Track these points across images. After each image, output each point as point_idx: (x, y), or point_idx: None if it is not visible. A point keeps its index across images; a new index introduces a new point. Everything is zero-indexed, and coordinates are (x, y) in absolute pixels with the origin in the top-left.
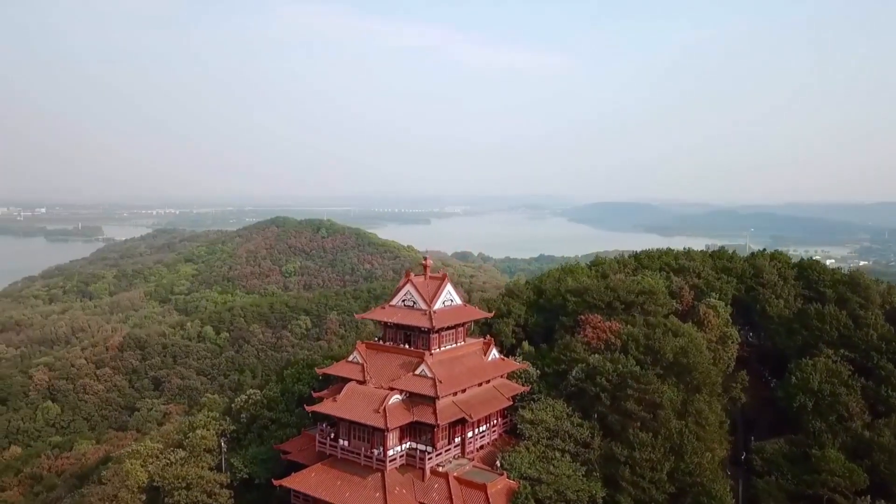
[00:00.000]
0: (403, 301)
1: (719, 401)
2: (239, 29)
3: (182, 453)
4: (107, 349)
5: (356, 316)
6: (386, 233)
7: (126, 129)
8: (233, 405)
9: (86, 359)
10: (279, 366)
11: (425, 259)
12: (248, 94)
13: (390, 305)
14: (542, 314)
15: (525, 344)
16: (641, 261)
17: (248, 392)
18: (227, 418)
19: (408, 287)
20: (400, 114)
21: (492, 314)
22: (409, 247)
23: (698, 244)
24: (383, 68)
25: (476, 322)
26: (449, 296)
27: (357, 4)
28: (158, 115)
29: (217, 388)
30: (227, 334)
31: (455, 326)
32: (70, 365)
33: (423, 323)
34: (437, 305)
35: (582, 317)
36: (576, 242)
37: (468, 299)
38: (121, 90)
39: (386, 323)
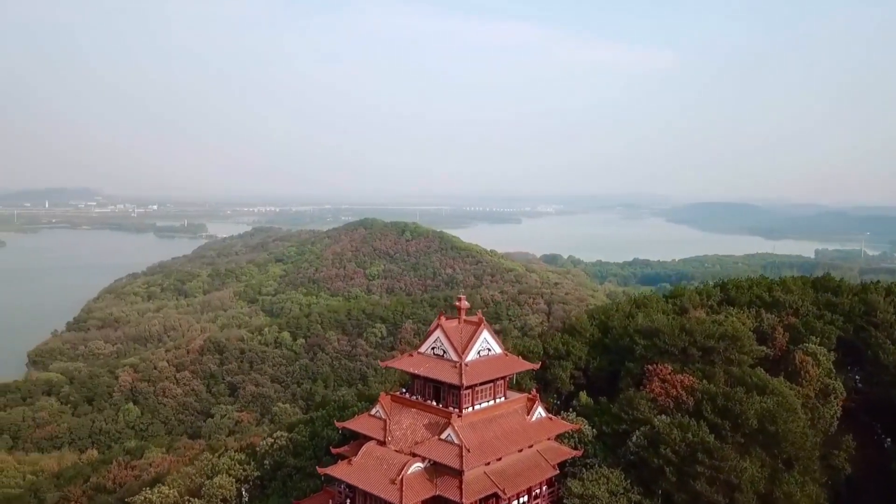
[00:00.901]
0: (433, 349)
1: (816, 478)
2: (325, 30)
3: None
4: (188, 352)
5: (381, 364)
6: (476, 232)
7: (231, 129)
8: (258, 448)
9: (167, 361)
10: (352, 375)
11: (459, 299)
12: (347, 94)
13: (419, 353)
14: (607, 356)
15: (583, 394)
16: (728, 291)
17: (274, 434)
18: (252, 462)
19: (437, 333)
20: (491, 113)
21: (538, 365)
22: (491, 251)
23: (807, 249)
24: (477, 68)
25: (528, 358)
26: (485, 344)
27: (443, 4)
28: (262, 115)
29: (289, 397)
30: (304, 340)
31: (492, 381)
32: (153, 367)
33: (452, 378)
34: (471, 356)
35: (650, 366)
36: (673, 245)
37: (548, 312)
38: (231, 93)
39: (414, 374)
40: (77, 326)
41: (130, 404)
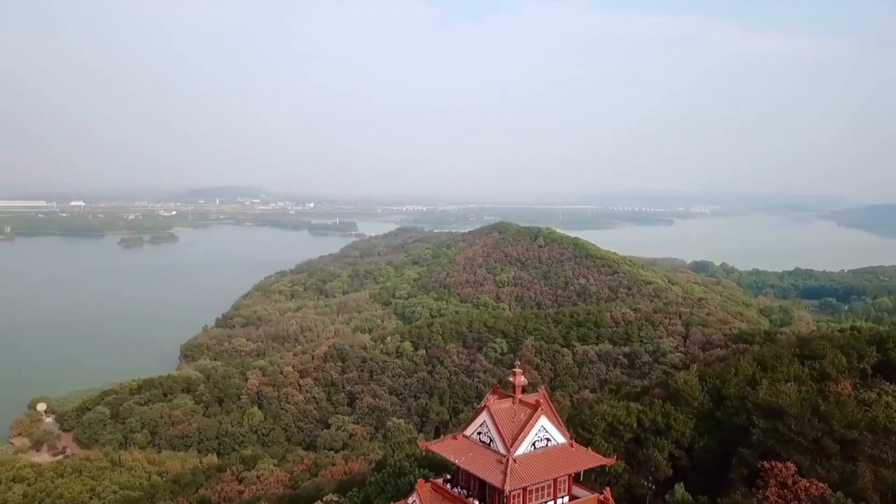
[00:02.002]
0: (479, 433)
1: None
2: (474, 29)
3: None
4: (312, 358)
5: (420, 445)
6: (621, 234)
7: (385, 127)
8: None
9: (293, 366)
10: (469, 392)
11: (514, 372)
12: (498, 93)
13: (464, 435)
14: (718, 434)
15: (680, 487)
16: (888, 346)
17: (324, 498)
18: None
19: (484, 415)
20: (638, 110)
21: (613, 459)
22: (628, 260)
23: None
24: (632, 63)
25: (602, 450)
26: (543, 433)
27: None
28: (413, 115)
29: (405, 411)
30: (424, 352)
31: (548, 482)
32: (279, 371)
33: (494, 477)
34: (522, 448)
35: (768, 462)
36: (844, 253)
37: (685, 335)
38: (383, 94)
39: (454, 463)
40: (224, 322)
41: (255, 408)
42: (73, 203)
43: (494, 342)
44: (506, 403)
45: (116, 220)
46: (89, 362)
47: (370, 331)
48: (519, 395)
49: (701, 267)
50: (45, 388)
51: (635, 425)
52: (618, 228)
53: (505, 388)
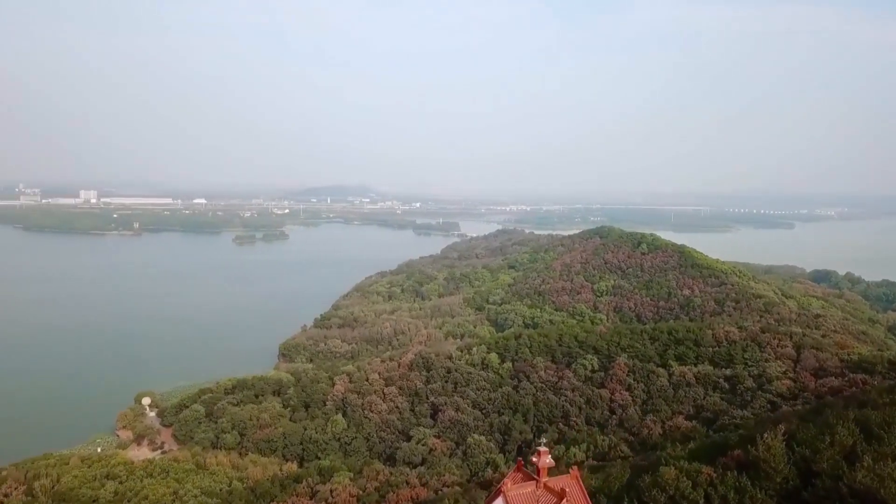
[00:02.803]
0: None
1: None
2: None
3: None
4: (398, 365)
5: None
6: (736, 238)
7: (490, 126)
8: None
9: (379, 373)
10: (554, 412)
11: (538, 453)
12: (610, 94)
13: None
14: None
15: None
16: None
17: None
18: None
19: (499, 502)
20: (768, 104)
21: None
22: (738, 270)
23: None
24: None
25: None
26: None
27: None
28: (523, 114)
29: (487, 427)
30: (510, 365)
31: None
32: (365, 378)
33: None
34: None
35: None
36: None
37: (795, 359)
38: (495, 94)
39: None
40: (322, 323)
41: (339, 416)
42: (196, 201)
43: (585, 358)
44: (527, 488)
45: (233, 218)
46: (196, 357)
47: (462, 336)
48: (544, 479)
49: (823, 276)
50: (152, 382)
51: (701, 502)
52: (732, 232)
53: (531, 468)
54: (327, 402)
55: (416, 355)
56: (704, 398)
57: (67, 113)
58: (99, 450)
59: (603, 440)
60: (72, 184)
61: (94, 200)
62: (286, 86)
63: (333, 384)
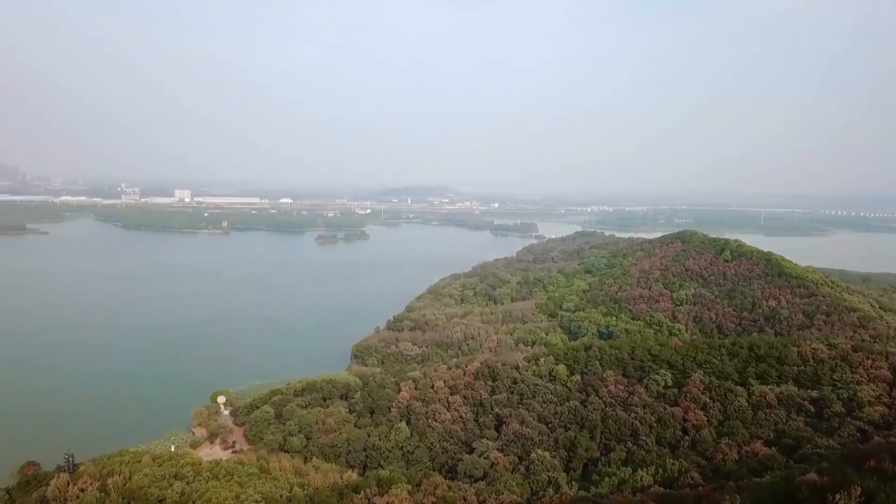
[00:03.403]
0: None
1: None
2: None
3: None
4: (464, 373)
5: None
6: (833, 243)
7: (570, 125)
8: None
9: (444, 381)
10: (623, 430)
11: None
12: (698, 92)
13: None
14: None
15: None
16: None
17: None
18: None
19: None
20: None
21: None
22: (830, 281)
23: None
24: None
25: None
26: None
27: None
28: (603, 112)
29: (552, 442)
30: (579, 378)
31: None
32: (430, 385)
33: None
34: None
35: None
36: None
37: (892, 382)
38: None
39: None
40: (394, 325)
41: (403, 423)
42: (283, 200)
43: (657, 373)
44: None
45: (317, 218)
46: (272, 356)
47: (533, 343)
48: None
49: None
50: (229, 380)
51: None
52: (829, 236)
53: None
54: (392, 409)
55: (481, 364)
56: (787, 422)
57: (170, 114)
58: (173, 448)
59: (673, 464)
60: (168, 183)
61: (187, 200)
62: (377, 86)
63: (399, 390)
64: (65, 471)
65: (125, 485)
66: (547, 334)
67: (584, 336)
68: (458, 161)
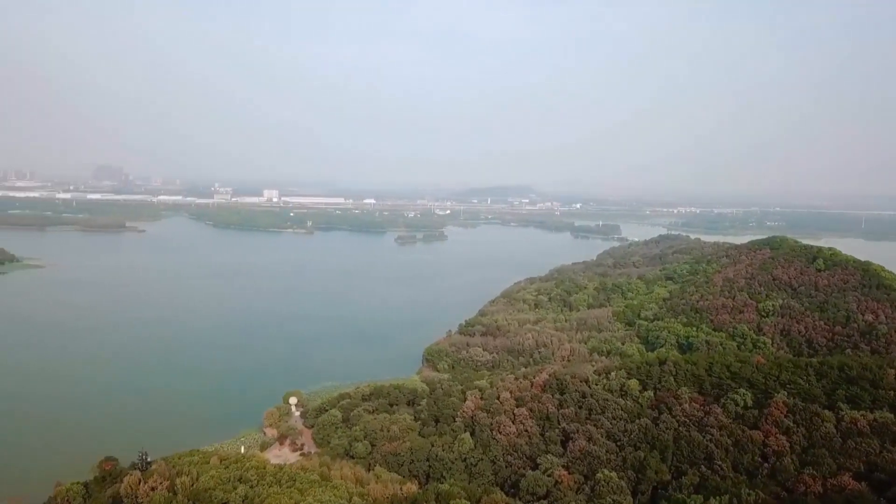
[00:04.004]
0: None
1: None
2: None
3: None
4: (531, 385)
5: None
6: None
7: (655, 122)
8: None
9: (510, 392)
10: (696, 452)
11: None
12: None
13: None
14: None
15: None
16: None
17: None
18: None
19: None
20: None
21: None
22: None
23: None
24: None
25: None
26: None
27: None
28: (694, 109)
29: (619, 462)
30: (652, 394)
31: None
32: (496, 396)
33: None
34: None
35: None
36: None
37: None
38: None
39: None
40: (465, 329)
41: (467, 434)
42: (366, 201)
43: (736, 392)
44: None
45: (398, 218)
46: (345, 357)
47: (608, 353)
48: None
49: None
50: (302, 380)
51: None
52: None
53: None
54: (456, 419)
55: (550, 376)
56: (880, 454)
57: (262, 114)
58: (242, 449)
59: (749, 493)
60: (258, 183)
61: (275, 199)
62: (457, 86)
63: (465, 399)
64: (138, 468)
65: (192, 486)
66: (623, 344)
67: (661, 347)
68: (541, 161)
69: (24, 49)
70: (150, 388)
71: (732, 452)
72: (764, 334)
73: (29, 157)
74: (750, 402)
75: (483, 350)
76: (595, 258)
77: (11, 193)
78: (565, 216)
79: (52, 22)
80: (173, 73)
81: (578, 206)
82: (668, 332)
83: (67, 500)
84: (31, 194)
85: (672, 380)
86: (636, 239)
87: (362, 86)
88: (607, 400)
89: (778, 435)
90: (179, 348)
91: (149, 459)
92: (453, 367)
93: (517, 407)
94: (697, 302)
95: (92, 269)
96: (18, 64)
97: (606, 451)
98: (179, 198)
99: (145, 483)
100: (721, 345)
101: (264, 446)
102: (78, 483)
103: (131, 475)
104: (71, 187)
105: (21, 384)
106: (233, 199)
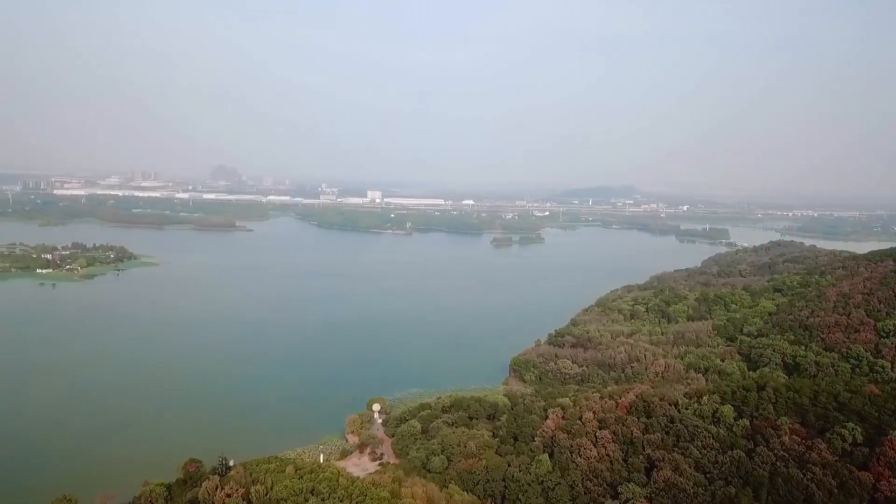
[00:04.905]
0: None
1: None
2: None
3: None
4: (616, 406)
5: None
6: None
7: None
8: None
9: (593, 412)
10: (795, 492)
11: None
12: None
13: None
14: None
15: None
16: None
17: None
18: None
19: None
20: None
21: None
22: None
23: None
24: None
25: None
26: None
27: None
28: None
29: (707, 497)
30: (747, 422)
31: None
32: (578, 416)
33: None
34: None
35: None
36: None
37: None
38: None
39: None
40: (555, 339)
41: (545, 455)
42: (465, 202)
43: (845, 426)
44: None
45: (495, 219)
46: (431, 362)
47: (706, 371)
48: None
49: None
50: (387, 385)
51: None
52: None
53: None
54: (535, 438)
55: (636, 397)
56: None
57: (369, 116)
58: (321, 457)
59: None
60: (363, 183)
61: (378, 200)
62: (556, 85)
63: (546, 417)
64: (218, 473)
65: (266, 495)
66: (723, 361)
67: (765, 366)
68: (646, 160)
69: (163, 63)
70: (242, 388)
71: (837, 495)
72: (882, 357)
73: (155, 157)
74: (860, 439)
75: (572, 362)
76: (699, 265)
77: (137, 193)
78: (671, 219)
79: (186, 38)
80: (284, 79)
81: (685, 208)
82: (773, 349)
83: (150, 502)
84: (154, 194)
85: (771, 408)
86: (745, 244)
87: (467, 88)
88: (697, 427)
89: (891, 478)
90: (270, 349)
91: (230, 463)
92: (540, 379)
93: (600, 429)
94: (807, 318)
95: (199, 268)
96: (153, 74)
97: (694, 484)
98: (287, 198)
99: (222, 489)
100: (832, 366)
101: (345, 454)
102: (161, 485)
103: (210, 480)
104: (189, 187)
105: (110, 377)
106: (337, 200)
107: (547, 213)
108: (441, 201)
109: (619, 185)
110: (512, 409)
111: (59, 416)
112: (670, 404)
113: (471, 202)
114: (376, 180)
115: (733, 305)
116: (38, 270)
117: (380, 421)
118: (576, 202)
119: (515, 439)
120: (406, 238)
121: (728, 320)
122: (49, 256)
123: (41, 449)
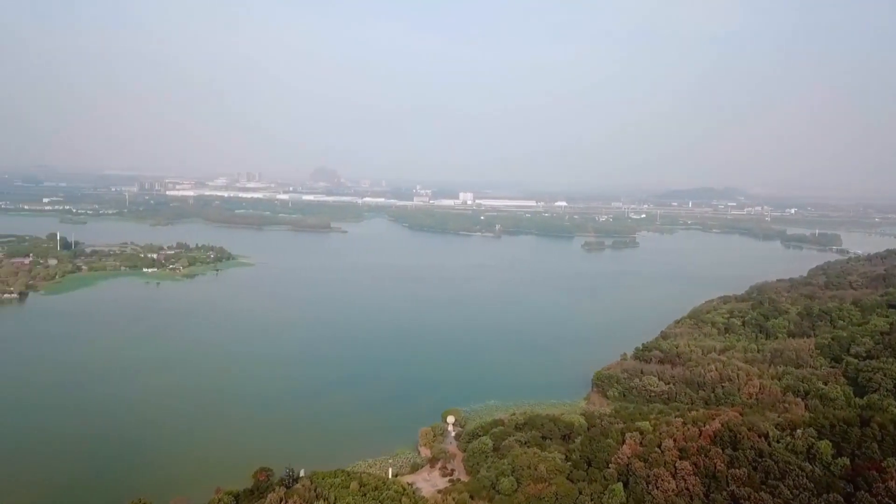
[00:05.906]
0: None
1: None
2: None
3: None
4: (699, 434)
5: None
6: None
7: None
8: None
9: (674, 440)
10: None
11: None
12: None
13: None
14: None
15: None
16: None
17: None
18: None
19: None
20: None
21: None
22: None
23: None
24: None
25: None
26: None
27: None
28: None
29: None
30: (848, 461)
31: None
32: (657, 444)
33: None
34: None
35: None
36: None
37: None
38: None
39: None
40: (641, 354)
41: (619, 485)
42: (558, 203)
43: None
44: None
45: (588, 222)
46: (512, 372)
47: (806, 394)
48: None
49: None
50: (464, 396)
51: None
52: None
53: None
54: (610, 465)
55: (722, 425)
56: None
57: (460, 116)
58: (390, 471)
59: None
60: (456, 185)
61: (469, 202)
62: (652, 85)
63: (623, 442)
64: (284, 484)
65: None
66: (825, 384)
67: (874, 392)
68: (751, 160)
69: (267, 67)
70: (320, 393)
71: None
72: None
73: (261, 157)
74: None
75: (658, 379)
76: (805, 274)
77: (240, 194)
78: (776, 222)
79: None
80: (387, 79)
81: (793, 211)
82: (884, 374)
83: None
84: (256, 195)
85: (876, 447)
86: (858, 252)
87: (570, 87)
88: (790, 463)
89: None
90: (350, 353)
91: (300, 473)
92: (624, 396)
93: (680, 459)
94: None
95: (293, 269)
96: (264, 76)
97: None
98: (382, 200)
99: (286, 502)
100: None
101: (415, 467)
102: (230, 494)
103: (275, 492)
104: (290, 188)
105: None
106: (430, 202)
107: (643, 215)
108: (532, 203)
109: (722, 186)
110: (588, 430)
111: (150, 415)
112: (760, 436)
113: (563, 203)
114: (469, 181)
115: (840, 322)
116: (145, 269)
117: (453, 434)
118: (675, 204)
119: (589, 464)
120: (495, 241)
121: (833, 338)
122: (154, 256)
123: (123, 448)
